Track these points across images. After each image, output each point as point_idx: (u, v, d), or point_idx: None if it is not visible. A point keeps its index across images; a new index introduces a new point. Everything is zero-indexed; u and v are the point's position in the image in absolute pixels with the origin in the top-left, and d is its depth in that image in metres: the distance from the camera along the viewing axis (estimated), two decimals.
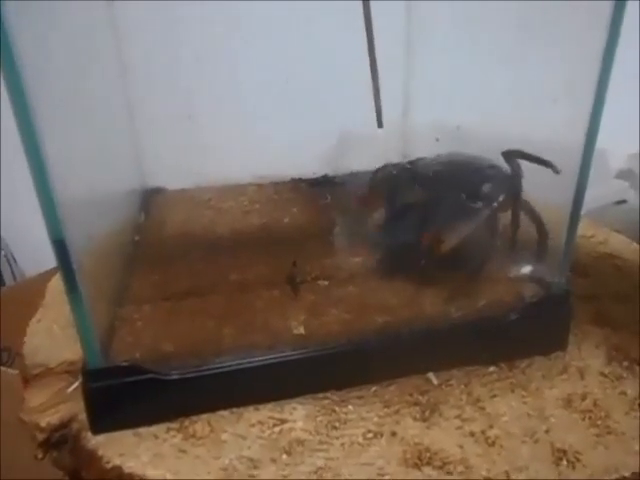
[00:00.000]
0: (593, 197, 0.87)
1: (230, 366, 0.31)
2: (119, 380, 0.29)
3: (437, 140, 0.50)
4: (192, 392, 0.31)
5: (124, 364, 0.30)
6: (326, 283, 0.37)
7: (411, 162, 0.39)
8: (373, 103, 0.48)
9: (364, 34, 0.51)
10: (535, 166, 0.35)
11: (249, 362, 0.31)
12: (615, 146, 0.95)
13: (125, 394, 0.30)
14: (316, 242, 0.42)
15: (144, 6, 0.48)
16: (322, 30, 0.51)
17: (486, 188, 0.34)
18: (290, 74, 0.53)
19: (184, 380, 0.30)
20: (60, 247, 0.26)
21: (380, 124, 0.46)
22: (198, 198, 0.52)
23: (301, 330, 0.32)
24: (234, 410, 0.31)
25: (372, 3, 0.46)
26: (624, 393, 0.32)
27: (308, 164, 0.59)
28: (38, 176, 0.25)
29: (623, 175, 1.04)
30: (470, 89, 0.46)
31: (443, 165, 0.36)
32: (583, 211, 0.86)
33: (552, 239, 0.34)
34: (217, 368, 0.31)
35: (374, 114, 0.58)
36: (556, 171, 0.32)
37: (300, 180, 0.57)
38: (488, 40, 0.45)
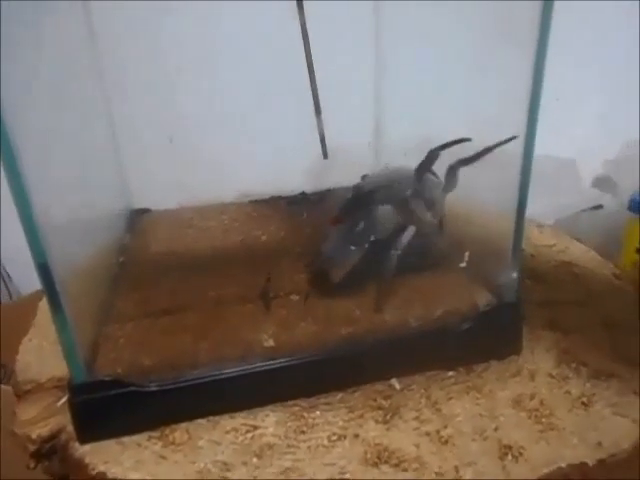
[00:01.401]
0: (566, 205, 0.91)
1: (205, 378, 0.34)
2: (102, 393, 0.32)
3: (405, 155, 0.54)
4: (171, 402, 0.33)
5: (107, 378, 0.32)
6: (297, 297, 0.40)
7: (363, 178, 0.42)
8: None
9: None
10: (488, 179, 0.38)
11: (223, 374, 0.34)
12: (590, 154, 0.98)
13: (108, 406, 0.32)
14: (290, 258, 0.45)
15: (125, 28, 0.50)
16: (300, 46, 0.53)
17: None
18: (268, 90, 0.56)
19: (163, 392, 0.33)
20: (44, 270, 0.28)
21: (325, 155, 0.48)
22: (181, 218, 0.55)
23: (271, 342, 0.35)
24: (211, 418, 0.34)
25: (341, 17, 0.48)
26: (569, 392, 0.35)
27: (294, 179, 0.62)
28: (20, 202, 0.26)
29: (600, 182, 1.07)
30: (438, 100, 0.49)
31: (376, 182, 0.38)
32: (554, 219, 0.88)
33: (499, 251, 0.36)
34: (193, 380, 0.33)
35: (362, 127, 0.61)
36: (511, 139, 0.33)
37: (279, 198, 0.59)
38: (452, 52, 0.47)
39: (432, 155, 0.37)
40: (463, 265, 0.38)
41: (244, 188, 0.61)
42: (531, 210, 0.69)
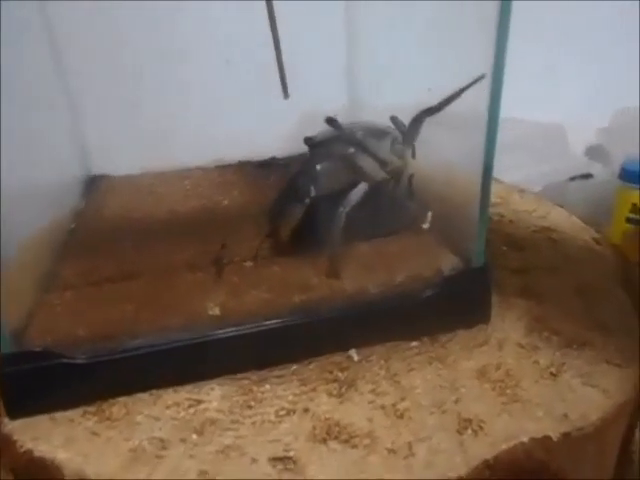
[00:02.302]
0: (554, 173, 0.88)
1: (145, 349, 0.31)
2: (31, 365, 0.30)
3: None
4: (107, 376, 0.31)
5: (36, 349, 0.30)
6: (252, 264, 0.37)
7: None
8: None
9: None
10: (458, 141, 0.35)
11: (164, 344, 0.31)
12: (581, 122, 0.95)
13: (39, 379, 0.30)
14: (250, 224, 0.42)
15: None
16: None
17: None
18: (245, 54, 0.53)
19: (97, 364, 0.30)
20: None
21: (286, 94, 0.45)
22: (141, 184, 0.52)
23: (216, 311, 0.32)
24: (153, 392, 0.32)
25: None
26: (537, 362, 0.32)
27: (266, 144, 0.59)
28: None
29: (591, 150, 1.04)
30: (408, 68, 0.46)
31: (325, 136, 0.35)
32: (541, 186, 0.86)
33: (467, 212, 0.34)
34: (132, 351, 0.31)
35: (335, 95, 0.58)
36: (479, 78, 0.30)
37: (247, 163, 0.56)
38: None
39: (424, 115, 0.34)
40: (426, 226, 0.35)
41: (214, 153, 0.58)
42: (517, 177, 0.67)
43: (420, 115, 0.33)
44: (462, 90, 0.30)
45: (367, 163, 0.33)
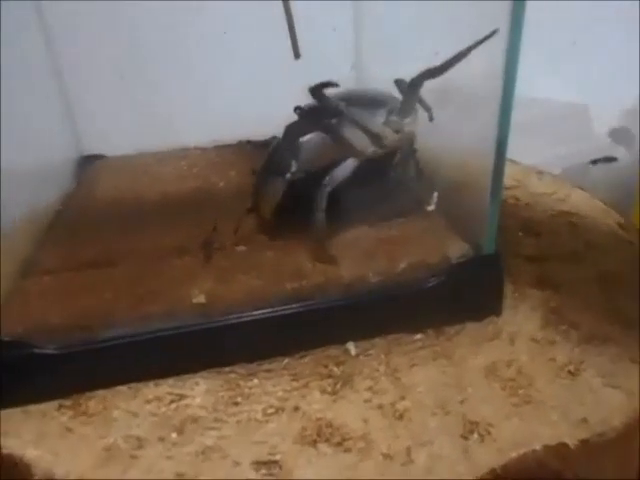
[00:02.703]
0: (576, 154, 0.83)
1: (125, 339, 0.29)
2: (1, 356, 0.27)
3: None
4: (84, 367, 0.29)
5: (5, 339, 0.28)
6: (244, 249, 0.34)
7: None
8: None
9: None
10: (470, 119, 0.32)
11: (146, 334, 0.29)
12: (606, 103, 0.90)
13: (9, 370, 0.28)
14: (244, 206, 0.39)
15: None
16: None
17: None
18: (240, 25, 0.50)
19: (72, 355, 0.28)
20: None
21: (297, 55, 0.42)
22: (136, 164, 0.50)
23: (201, 299, 0.30)
24: (133, 386, 0.29)
25: None
26: (553, 359, 0.29)
27: (268, 123, 0.57)
28: None
29: (616, 133, 0.99)
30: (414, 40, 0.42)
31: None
32: (561, 169, 0.81)
33: (478, 195, 0.30)
34: (110, 341, 0.29)
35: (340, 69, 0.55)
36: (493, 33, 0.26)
37: (247, 142, 0.54)
38: None
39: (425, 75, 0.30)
40: (431, 208, 0.32)
41: (214, 133, 0.56)
42: (536, 159, 0.63)
43: (419, 77, 0.29)
44: (470, 49, 0.26)
45: (355, 136, 0.30)
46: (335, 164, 0.30)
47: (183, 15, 0.49)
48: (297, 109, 0.31)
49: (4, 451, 0.26)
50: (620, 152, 0.93)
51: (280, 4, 0.45)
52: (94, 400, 0.29)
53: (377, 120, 0.30)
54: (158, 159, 0.51)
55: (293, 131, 0.31)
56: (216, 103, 0.52)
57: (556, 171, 0.71)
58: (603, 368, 0.29)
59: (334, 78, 0.53)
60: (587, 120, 0.87)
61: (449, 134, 0.34)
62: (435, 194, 0.32)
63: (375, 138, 0.30)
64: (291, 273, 0.31)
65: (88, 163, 0.50)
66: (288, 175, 0.29)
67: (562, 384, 0.28)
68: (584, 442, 0.25)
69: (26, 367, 0.28)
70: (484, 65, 0.28)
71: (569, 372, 0.28)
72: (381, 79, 0.48)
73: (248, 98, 0.52)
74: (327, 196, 0.29)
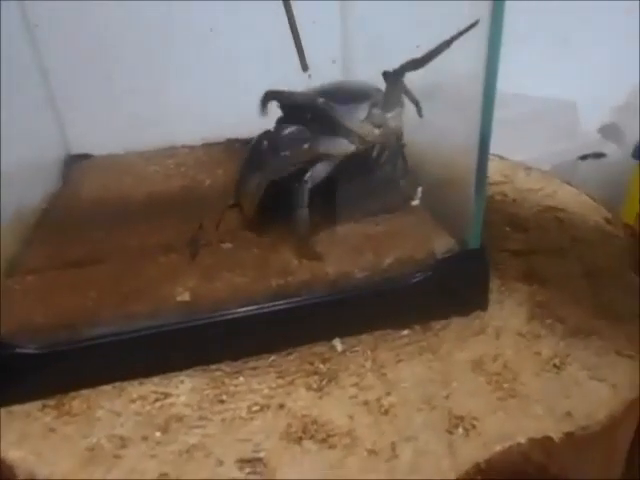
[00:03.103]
0: (565, 151, 0.84)
1: (108, 337, 0.28)
2: None
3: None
4: (67, 367, 0.28)
5: None
6: (230, 246, 0.34)
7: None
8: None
9: None
10: (455, 114, 0.32)
11: (129, 333, 0.29)
12: (596, 100, 0.90)
13: None
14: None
15: None
16: None
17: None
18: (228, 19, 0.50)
19: (54, 354, 0.28)
20: None
21: (304, 67, 0.42)
22: (122, 163, 0.49)
23: (186, 297, 0.30)
24: (117, 385, 0.29)
25: None
26: (538, 353, 0.29)
27: (259, 122, 0.56)
28: None
29: (605, 129, 0.99)
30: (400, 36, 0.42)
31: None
32: (550, 165, 0.82)
33: (464, 190, 0.30)
34: (93, 340, 0.28)
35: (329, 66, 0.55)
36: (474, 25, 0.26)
37: (235, 140, 0.53)
38: None
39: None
40: (415, 203, 0.32)
41: (201, 131, 0.55)
42: (525, 155, 0.63)
43: (401, 69, 0.28)
44: (452, 40, 0.26)
45: (335, 133, 0.29)
46: (316, 160, 0.29)
47: (169, 14, 0.49)
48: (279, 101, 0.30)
49: None
50: (609, 148, 0.93)
51: (268, 3, 0.45)
52: (78, 400, 0.28)
53: (359, 115, 0.29)
54: (145, 158, 0.51)
55: (277, 127, 0.30)
56: (204, 101, 0.52)
57: (546, 167, 0.71)
58: (588, 361, 0.29)
59: (317, 72, 0.53)
60: (576, 117, 0.87)
61: (435, 130, 0.34)
62: (420, 189, 0.31)
63: (354, 135, 0.29)
64: (277, 270, 0.31)
65: (75, 162, 0.50)
66: (269, 172, 0.29)
67: (547, 378, 0.28)
68: (569, 435, 0.25)
69: (9, 367, 0.28)
70: (468, 61, 0.28)
71: (554, 366, 0.28)
72: (366, 73, 0.48)
73: (235, 95, 0.52)
74: (308, 192, 0.29)
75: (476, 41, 0.27)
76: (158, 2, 0.48)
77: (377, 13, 0.42)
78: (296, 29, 0.41)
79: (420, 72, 0.34)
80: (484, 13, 0.26)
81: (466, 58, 0.28)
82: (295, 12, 0.40)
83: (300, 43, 0.42)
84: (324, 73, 0.53)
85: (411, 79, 0.37)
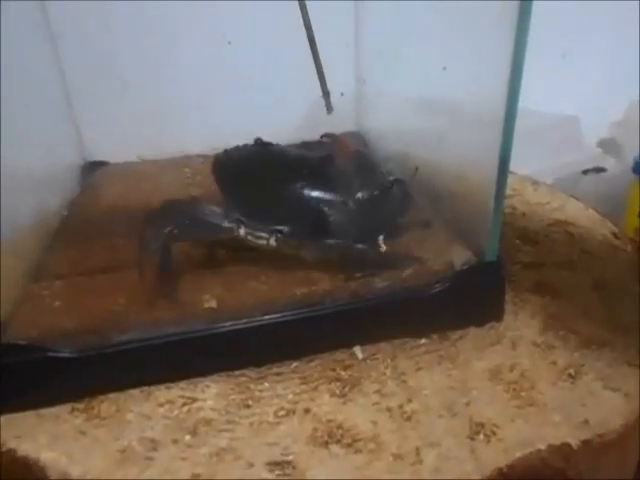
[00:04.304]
0: (567, 165, 0.85)
1: (137, 343, 0.29)
2: (15, 359, 0.28)
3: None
4: (96, 371, 0.29)
5: (20, 342, 0.28)
6: (251, 254, 0.35)
7: None
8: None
9: None
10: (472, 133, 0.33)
11: (157, 338, 0.29)
12: (595, 115, 0.92)
13: (24, 373, 0.28)
14: None
15: None
16: None
17: None
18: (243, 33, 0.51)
19: (85, 358, 0.29)
20: None
21: (329, 109, 0.43)
22: (139, 171, 0.50)
23: (213, 304, 0.30)
24: (145, 389, 0.30)
25: None
26: (554, 363, 0.30)
27: (272, 132, 0.58)
28: None
29: (604, 144, 1.01)
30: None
31: None
32: (552, 179, 0.83)
33: (481, 205, 0.32)
34: (123, 345, 0.29)
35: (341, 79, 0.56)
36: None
37: None
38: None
39: None
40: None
41: (216, 140, 0.56)
42: (528, 169, 0.64)
43: None
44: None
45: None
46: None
47: (186, 23, 0.50)
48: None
49: (19, 453, 0.26)
50: (610, 163, 0.95)
51: (286, 12, 0.46)
52: (106, 403, 0.29)
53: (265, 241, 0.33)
54: (160, 166, 0.52)
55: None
56: (219, 111, 0.53)
57: (548, 181, 0.73)
58: (602, 372, 0.30)
59: (338, 90, 0.54)
60: (578, 132, 0.89)
61: (454, 146, 0.35)
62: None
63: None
64: (300, 279, 0.32)
65: (92, 170, 0.51)
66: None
67: (563, 387, 0.29)
68: (586, 442, 0.26)
69: (40, 370, 0.28)
70: (490, 79, 0.29)
71: (570, 375, 0.30)
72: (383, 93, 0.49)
73: (251, 106, 0.53)
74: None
75: (497, 61, 0.28)
76: (179, 14, 0.49)
77: (394, 30, 0.44)
78: (321, 70, 0.42)
79: (439, 85, 0.36)
80: (505, 37, 0.27)
81: (488, 77, 0.29)
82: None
83: (325, 82, 0.43)
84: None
85: (423, 91, 0.38)
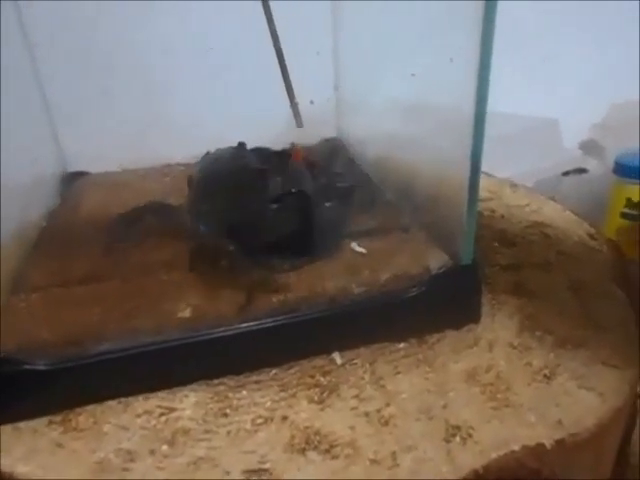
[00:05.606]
0: (548, 167, 0.86)
1: (113, 353, 0.29)
2: None
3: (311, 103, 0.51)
4: (73, 383, 0.29)
5: None
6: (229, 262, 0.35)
7: None
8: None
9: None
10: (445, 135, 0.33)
11: (134, 349, 0.29)
12: (576, 117, 0.93)
13: (0, 387, 0.28)
14: None
15: None
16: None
17: None
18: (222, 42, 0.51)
19: (62, 370, 0.28)
20: None
21: (299, 124, 0.44)
22: (119, 181, 0.50)
23: (187, 313, 0.30)
24: (123, 400, 0.30)
25: None
26: (529, 364, 0.31)
27: (253, 140, 0.58)
28: None
29: (586, 146, 1.02)
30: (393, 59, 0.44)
31: None
32: (533, 181, 0.84)
33: (456, 208, 0.32)
34: (99, 356, 0.29)
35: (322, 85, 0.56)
36: None
37: None
38: None
39: None
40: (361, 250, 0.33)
41: (196, 149, 0.56)
42: (509, 172, 0.65)
43: None
44: None
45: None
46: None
47: (167, 33, 0.50)
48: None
49: None
50: (591, 164, 0.96)
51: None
52: (84, 415, 0.29)
53: None
54: (141, 175, 0.52)
55: None
56: (200, 119, 0.53)
57: (529, 183, 0.74)
58: (577, 371, 0.30)
59: (316, 99, 0.54)
60: (558, 134, 0.90)
61: (427, 149, 0.36)
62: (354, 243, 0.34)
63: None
64: (277, 286, 0.32)
65: (72, 180, 0.51)
66: None
67: (538, 387, 0.29)
68: (560, 442, 0.26)
69: (16, 383, 0.28)
70: (460, 81, 0.30)
71: (545, 376, 0.30)
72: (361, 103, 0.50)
73: (234, 113, 0.53)
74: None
75: (467, 63, 0.28)
76: (157, 21, 0.49)
77: (369, 39, 0.44)
78: (291, 89, 0.42)
79: (412, 90, 0.36)
80: (474, 42, 0.28)
81: (457, 79, 0.30)
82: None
83: (295, 103, 0.44)
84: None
85: (399, 97, 0.39)
